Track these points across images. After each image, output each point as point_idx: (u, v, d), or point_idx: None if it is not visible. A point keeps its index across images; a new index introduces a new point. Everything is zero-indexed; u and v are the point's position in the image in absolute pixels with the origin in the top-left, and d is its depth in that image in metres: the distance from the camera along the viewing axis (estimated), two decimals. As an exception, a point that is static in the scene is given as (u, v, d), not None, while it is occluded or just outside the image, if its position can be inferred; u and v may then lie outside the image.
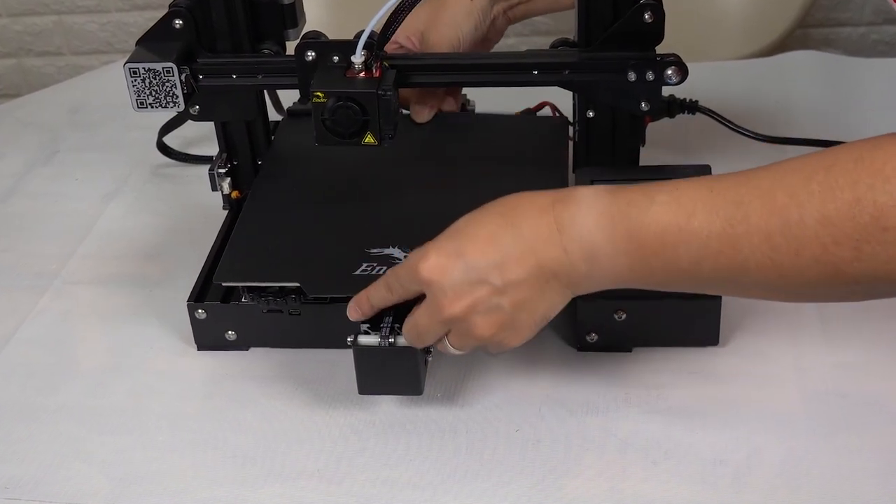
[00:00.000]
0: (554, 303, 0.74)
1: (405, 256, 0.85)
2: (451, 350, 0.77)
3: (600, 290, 0.74)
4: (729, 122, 1.06)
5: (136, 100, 0.89)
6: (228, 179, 0.99)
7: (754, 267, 0.67)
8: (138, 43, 0.90)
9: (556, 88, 0.90)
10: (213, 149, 1.00)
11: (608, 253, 0.70)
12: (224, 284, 0.89)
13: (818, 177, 0.65)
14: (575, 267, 0.71)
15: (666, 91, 0.89)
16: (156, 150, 1.21)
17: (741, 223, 0.67)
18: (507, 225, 0.72)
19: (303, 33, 0.91)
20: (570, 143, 0.98)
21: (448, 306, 0.73)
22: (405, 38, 0.97)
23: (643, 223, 0.69)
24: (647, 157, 0.94)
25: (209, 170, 0.98)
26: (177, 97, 0.89)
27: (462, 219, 0.75)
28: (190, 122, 0.98)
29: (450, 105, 1.02)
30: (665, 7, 0.84)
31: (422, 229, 0.88)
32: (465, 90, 1.18)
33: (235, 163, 1.00)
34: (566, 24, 0.92)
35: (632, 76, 0.86)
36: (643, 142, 0.94)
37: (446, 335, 0.76)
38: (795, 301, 0.81)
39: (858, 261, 0.64)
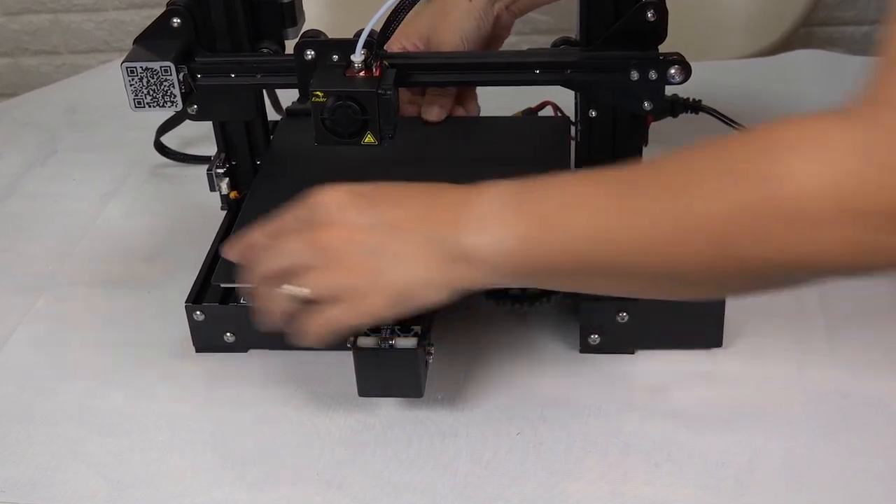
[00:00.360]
0: (427, 276, 0.71)
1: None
2: (295, 290, 0.73)
3: (485, 287, 0.74)
4: (733, 121, 1.06)
5: (134, 99, 0.89)
6: (227, 179, 0.99)
7: (650, 251, 0.65)
8: (136, 42, 0.90)
9: (558, 88, 0.90)
10: (211, 149, 1.00)
11: (496, 230, 0.69)
12: (223, 286, 0.89)
13: (714, 164, 0.65)
14: (460, 240, 0.70)
15: (669, 90, 0.88)
16: (154, 150, 1.21)
17: (635, 201, 0.66)
18: (422, 191, 0.73)
19: (302, 32, 0.91)
20: (572, 143, 0.98)
21: (319, 236, 0.72)
22: (411, 44, 0.98)
23: (537, 202, 0.69)
24: (650, 157, 0.94)
25: (207, 170, 0.98)
26: (175, 96, 0.89)
27: None
28: (188, 121, 0.98)
29: (460, 113, 1.03)
30: (668, 5, 0.85)
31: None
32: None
33: (234, 163, 1.00)
34: (568, 22, 0.92)
35: (634, 75, 0.86)
36: (646, 142, 0.94)
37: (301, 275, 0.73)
38: (682, 296, 0.77)
39: (755, 246, 0.62)
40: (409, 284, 0.72)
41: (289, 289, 0.74)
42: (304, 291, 0.73)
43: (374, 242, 0.71)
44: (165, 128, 1.21)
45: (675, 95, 0.98)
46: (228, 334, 0.91)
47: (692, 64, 0.86)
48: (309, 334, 0.75)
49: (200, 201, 1.10)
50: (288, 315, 0.75)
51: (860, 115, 0.61)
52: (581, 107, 0.92)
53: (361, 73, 0.85)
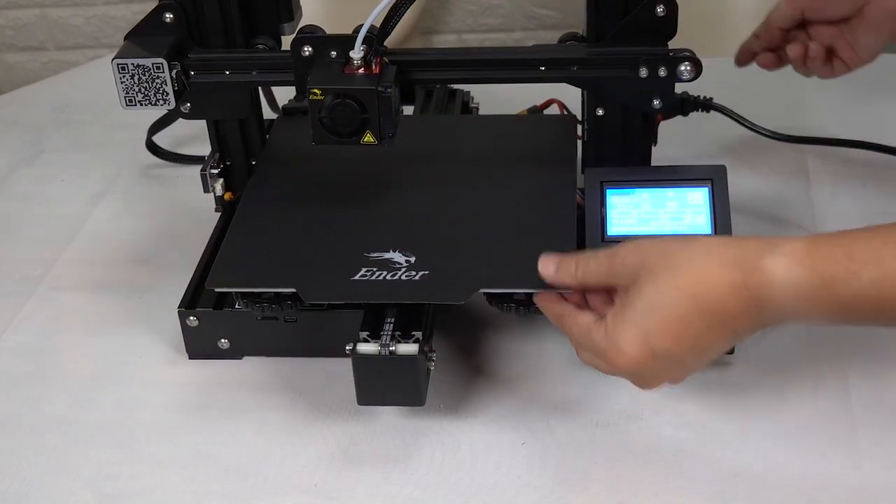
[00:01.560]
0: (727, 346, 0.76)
1: (406, 261, 0.85)
2: None
3: None
4: (745, 120, 1.06)
5: (125, 97, 0.89)
6: (221, 180, 0.99)
7: None
8: (127, 38, 0.90)
9: (565, 85, 0.91)
10: (204, 148, 1.00)
11: (815, 321, 0.72)
12: (217, 290, 0.89)
13: None
14: (772, 325, 0.73)
15: (679, 88, 0.89)
16: (145, 149, 1.21)
17: None
18: (697, 308, 0.72)
19: (299, 27, 0.91)
20: (579, 143, 0.99)
21: (646, 386, 0.77)
22: None
23: (854, 301, 0.68)
24: (660, 156, 0.94)
25: (201, 170, 0.99)
26: (167, 94, 0.89)
27: (641, 294, 0.73)
28: (181, 120, 0.98)
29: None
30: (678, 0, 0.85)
31: (423, 233, 0.89)
32: (469, 88, 1.18)
33: (228, 163, 1.00)
34: (574, 17, 0.93)
35: (643, 72, 0.86)
36: (655, 141, 0.94)
37: None
38: None
39: None
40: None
41: None
42: None
43: (689, 369, 0.76)
44: (157, 127, 1.21)
45: (685, 93, 0.98)
46: (223, 340, 0.91)
47: (703, 60, 0.86)
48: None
49: (193, 203, 1.10)
50: None
51: None
52: (588, 105, 0.92)
53: (361, 70, 0.85)
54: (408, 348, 0.80)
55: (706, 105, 1.00)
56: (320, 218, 0.92)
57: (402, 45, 1.73)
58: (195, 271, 0.94)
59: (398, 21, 0.85)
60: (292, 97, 1.11)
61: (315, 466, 0.82)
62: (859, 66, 1.01)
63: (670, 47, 0.86)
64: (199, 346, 0.92)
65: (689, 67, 0.86)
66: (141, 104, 0.89)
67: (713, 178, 0.88)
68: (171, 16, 0.89)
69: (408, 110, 1.13)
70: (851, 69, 1.01)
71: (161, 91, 0.89)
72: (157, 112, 1.18)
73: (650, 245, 0.75)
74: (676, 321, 0.72)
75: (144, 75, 0.88)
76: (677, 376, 0.77)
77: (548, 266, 0.80)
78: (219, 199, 1.00)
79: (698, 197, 0.88)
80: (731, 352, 0.87)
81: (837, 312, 0.69)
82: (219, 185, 0.99)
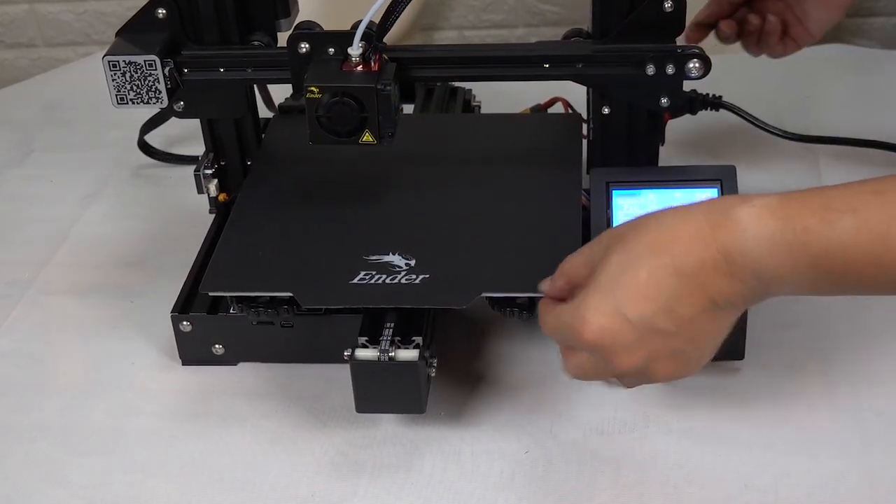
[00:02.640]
0: (730, 324, 0.73)
1: (406, 264, 0.85)
2: (617, 385, 0.77)
3: None
4: (755, 119, 1.06)
5: (117, 95, 0.89)
6: (216, 181, 0.99)
7: None
8: (118, 34, 0.90)
9: (569, 83, 0.91)
10: (198, 148, 1.00)
11: (789, 280, 0.68)
12: (211, 294, 0.89)
13: None
14: (751, 292, 0.70)
15: (687, 86, 0.89)
16: (137, 149, 1.21)
17: None
18: (664, 265, 0.69)
19: (296, 24, 0.91)
20: (584, 142, 0.99)
21: (621, 365, 0.72)
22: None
23: (828, 252, 0.66)
24: (667, 156, 0.94)
25: (195, 171, 0.99)
26: (160, 92, 0.89)
27: (609, 259, 0.72)
28: (174, 119, 0.98)
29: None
30: (686, -5, 0.85)
31: (423, 235, 0.89)
32: (471, 86, 1.18)
33: (223, 163, 1.00)
34: (579, 13, 0.92)
35: (650, 70, 0.86)
36: (662, 140, 0.94)
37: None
38: None
39: None
40: (720, 342, 0.73)
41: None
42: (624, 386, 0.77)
43: (668, 346, 0.71)
44: (150, 126, 1.21)
45: (693, 91, 0.98)
46: (217, 346, 0.91)
47: (712, 57, 0.86)
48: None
49: (187, 204, 1.10)
50: None
51: None
52: (593, 103, 0.92)
53: (359, 68, 0.85)
54: (408, 354, 0.80)
55: (715, 103, 0.99)
56: (318, 219, 0.92)
57: (402, 42, 1.73)
58: (189, 275, 0.94)
59: (398, 17, 0.85)
60: (289, 95, 1.11)
61: (313, 476, 0.82)
62: (809, 44, 1.01)
63: (678, 44, 0.86)
64: (192, 352, 0.92)
65: (697, 65, 0.86)
66: (133, 102, 0.89)
67: (722, 178, 0.88)
68: (164, 11, 0.89)
69: (408, 109, 1.13)
70: (801, 47, 1.01)
71: (153, 89, 0.89)
72: (150, 111, 1.18)
73: (624, 222, 0.74)
74: (645, 280, 0.70)
75: (136, 73, 0.88)
76: (657, 352, 0.71)
77: (545, 282, 0.78)
78: (213, 201, 1.00)
79: (707, 198, 0.88)
80: (741, 357, 0.87)
81: (811, 266, 0.67)
82: (213, 186, 0.99)
